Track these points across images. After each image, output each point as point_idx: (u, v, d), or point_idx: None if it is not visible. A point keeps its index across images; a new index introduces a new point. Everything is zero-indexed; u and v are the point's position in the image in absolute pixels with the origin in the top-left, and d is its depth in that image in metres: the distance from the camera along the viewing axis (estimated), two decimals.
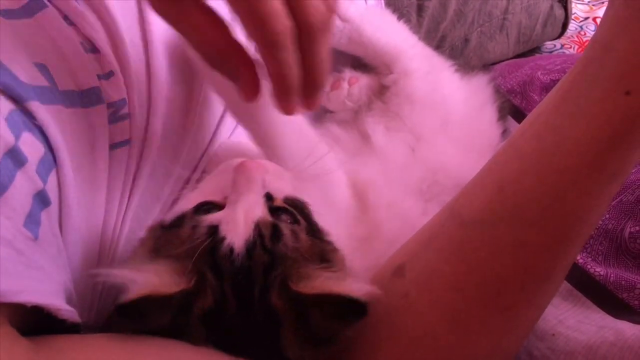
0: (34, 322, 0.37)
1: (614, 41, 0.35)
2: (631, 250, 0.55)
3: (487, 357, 0.42)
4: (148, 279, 0.39)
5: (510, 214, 0.40)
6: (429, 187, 0.61)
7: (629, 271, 0.53)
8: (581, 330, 0.50)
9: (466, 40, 0.93)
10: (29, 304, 0.35)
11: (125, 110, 0.51)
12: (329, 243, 0.47)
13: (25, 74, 0.42)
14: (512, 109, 0.83)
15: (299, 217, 0.46)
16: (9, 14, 0.45)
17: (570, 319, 0.53)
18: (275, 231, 0.43)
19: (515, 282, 0.40)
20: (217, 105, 0.59)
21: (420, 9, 0.81)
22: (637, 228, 0.55)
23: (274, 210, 0.46)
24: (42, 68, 0.44)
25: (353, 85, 0.69)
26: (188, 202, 0.46)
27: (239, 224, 0.43)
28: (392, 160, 0.63)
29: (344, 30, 0.66)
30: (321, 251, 0.45)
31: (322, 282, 0.41)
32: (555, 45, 1.16)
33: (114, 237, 0.50)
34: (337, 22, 0.57)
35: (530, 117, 0.42)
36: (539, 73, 0.84)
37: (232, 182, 0.45)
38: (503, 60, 1.06)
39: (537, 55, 1.12)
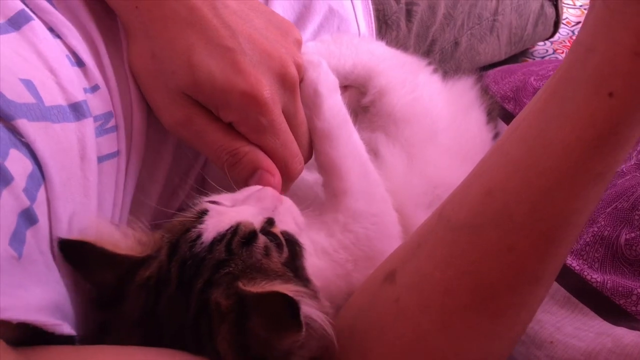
0: (33, 334, 0.40)
1: (595, 43, 0.37)
2: (627, 256, 0.58)
3: None
4: (106, 236, 0.46)
5: (498, 218, 0.42)
6: (432, 202, 0.64)
7: (626, 278, 0.57)
8: (579, 337, 0.54)
9: (456, 44, 0.97)
10: (13, 321, 0.38)
11: (112, 123, 0.54)
12: (304, 283, 0.49)
13: (12, 91, 0.45)
14: (504, 114, 0.87)
15: (286, 248, 0.49)
16: None
17: (568, 326, 0.56)
18: (250, 237, 0.47)
19: (505, 285, 0.43)
20: None
21: (409, 14, 0.84)
22: (633, 235, 0.58)
23: (266, 232, 0.49)
24: (28, 84, 0.47)
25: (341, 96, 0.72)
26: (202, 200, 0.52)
27: (222, 218, 0.48)
28: (396, 174, 0.65)
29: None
30: (286, 281, 0.47)
31: (269, 286, 0.44)
32: (547, 51, 1.20)
33: None
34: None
35: (516, 120, 0.44)
36: (532, 79, 0.88)
37: (248, 196, 0.52)
38: (495, 62, 1.10)
39: (530, 61, 1.16)
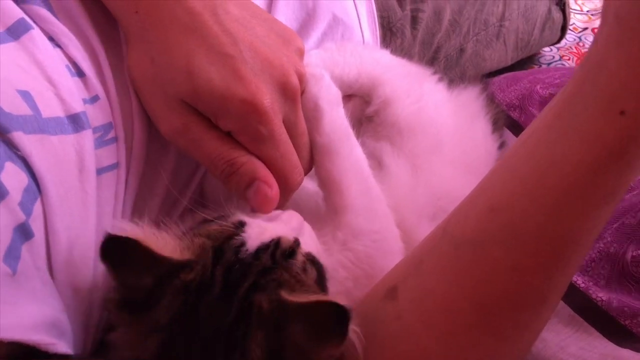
0: (27, 353, 0.39)
1: (607, 60, 0.36)
2: (634, 274, 0.57)
3: None
4: (150, 236, 0.45)
5: (503, 235, 0.41)
6: (436, 214, 0.63)
7: (632, 296, 0.56)
8: (583, 358, 0.53)
9: (461, 50, 0.96)
10: (5, 340, 0.37)
11: (112, 134, 0.53)
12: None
13: (8, 103, 0.44)
14: (510, 122, 0.86)
15: (314, 269, 0.50)
16: None
17: (572, 345, 0.55)
18: (291, 250, 0.48)
19: (508, 304, 0.42)
20: None
21: (414, 21, 0.83)
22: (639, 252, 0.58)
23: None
24: (26, 95, 0.46)
25: (345, 105, 0.71)
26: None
27: (263, 231, 0.48)
28: (400, 185, 0.65)
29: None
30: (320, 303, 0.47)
31: (311, 297, 0.44)
32: (554, 57, 1.19)
33: None
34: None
35: (523, 135, 0.43)
36: (538, 87, 0.87)
37: (275, 216, 0.52)
38: (501, 69, 1.09)
39: (536, 68, 1.15)
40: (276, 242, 0.48)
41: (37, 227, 0.43)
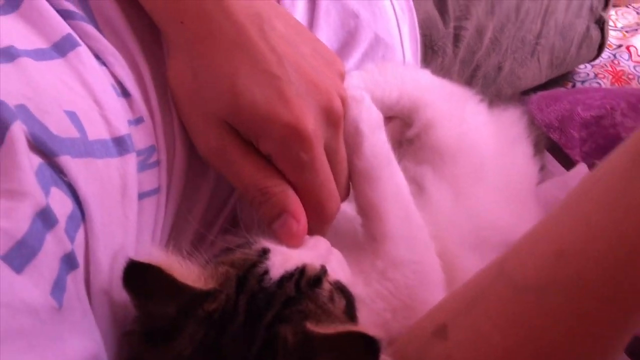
0: None
1: None
2: None
3: None
4: (174, 263, 0.44)
5: (570, 282, 0.39)
6: (479, 245, 0.61)
7: None
8: None
9: (499, 69, 0.94)
10: None
11: (154, 158, 0.51)
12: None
13: (55, 124, 0.43)
14: (549, 144, 0.85)
15: (342, 297, 0.47)
16: (39, 54, 0.45)
17: None
18: (317, 279, 0.46)
19: (570, 354, 0.40)
20: None
21: (456, 39, 0.82)
22: None
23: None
24: (73, 116, 0.45)
25: (386, 127, 0.70)
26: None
27: (287, 258, 0.46)
28: (442, 212, 0.63)
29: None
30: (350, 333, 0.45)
31: (339, 328, 0.42)
32: (588, 75, 1.17)
33: None
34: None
35: (589, 179, 0.42)
36: (579, 108, 0.85)
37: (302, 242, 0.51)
38: (535, 87, 1.07)
39: (575, 87, 1.13)
40: (301, 270, 0.46)
41: (79, 256, 0.42)
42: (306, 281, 0.45)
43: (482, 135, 0.70)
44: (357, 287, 0.53)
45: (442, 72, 0.80)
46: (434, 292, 0.55)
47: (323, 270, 0.47)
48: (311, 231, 0.52)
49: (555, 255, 0.40)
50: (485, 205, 0.65)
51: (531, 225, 0.65)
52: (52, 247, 0.39)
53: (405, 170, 0.67)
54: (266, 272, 0.45)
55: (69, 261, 0.40)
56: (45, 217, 0.39)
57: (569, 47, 1.07)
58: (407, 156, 0.69)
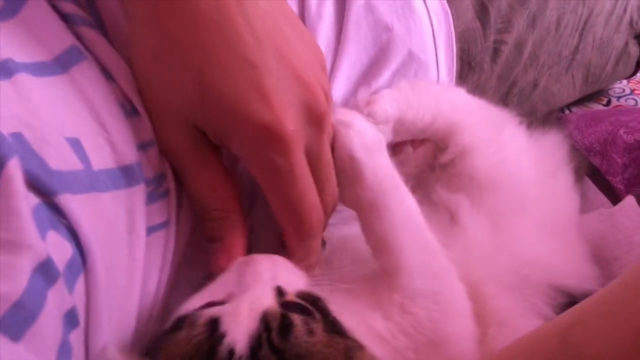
0: None
1: None
2: None
3: None
4: None
5: None
6: (518, 285, 0.56)
7: None
8: None
9: (535, 85, 0.88)
10: None
11: (163, 187, 0.46)
12: (352, 340, 0.42)
13: (55, 156, 0.37)
14: (590, 169, 0.79)
15: (314, 311, 0.42)
16: (39, 69, 0.40)
17: None
18: (285, 323, 0.39)
19: None
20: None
21: (495, 53, 0.76)
22: None
23: (286, 305, 0.42)
24: (75, 144, 0.39)
25: (417, 149, 0.64)
26: (189, 304, 0.43)
27: (241, 316, 0.39)
28: (477, 247, 0.57)
29: (385, 131, 0.60)
30: (345, 348, 0.40)
31: None
32: (624, 90, 1.12)
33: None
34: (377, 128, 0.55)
35: None
36: (621, 131, 0.79)
37: (238, 277, 0.43)
38: (570, 104, 1.02)
39: (617, 108, 1.07)
40: (265, 325, 0.39)
41: (79, 310, 0.37)
42: (276, 333, 0.39)
43: (523, 162, 0.64)
44: (375, 321, 0.48)
45: (478, 89, 0.75)
46: (460, 324, 0.50)
47: (284, 303, 0.41)
48: (293, 249, 0.47)
49: (636, 335, 0.35)
50: (525, 241, 0.59)
51: (574, 264, 0.61)
52: (55, 305, 0.33)
53: (437, 198, 0.63)
54: (231, 350, 0.37)
55: (70, 318, 0.35)
56: (45, 271, 0.33)
57: (606, 64, 1.01)
58: (439, 182, 0.64)
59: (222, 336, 0.38)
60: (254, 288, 0.42)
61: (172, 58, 0.42)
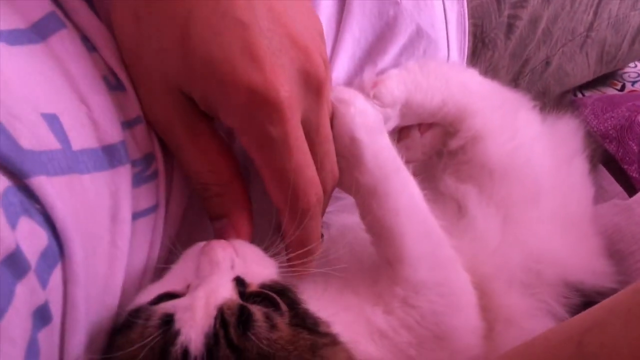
0: None
1: None
2: None
3: None
4: None
5: None
6: (531, 282, 0.53)
7: None
8: None
9: (547, 63, 0.84)
10: None
11: (152, 169, 0.42)
12: (325, 335, 0.40)
13: (29, 135, 0.34)
14: (606, 158, 0.75)
15: (280, 303, 0.39)
16: (12, 36, 0.36)
17: None
18: (244, 316, 0.36)
19: None
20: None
21: (509, 29, 0.72)
22: None
23: (247, 296, 0.39)
24: (53, 121, 0.36)
25: (425, 134, 0.60)
26: (145, 295, 0.40)
27: (197, 311, 0.36)
28: (488, 240, 0.54)
29: (392, 115, 0.57)
30: (311, 345, 0.38)
31: None
32: (638, 74, 1.08)
33: None
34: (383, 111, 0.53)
35: None
36: (639, 117, 0.75)
37: (196, 266, 0.40)
38: (583, 86, 0.98)
39: (634, 92, 1.03)
40: (221, 321, 0.36)
41: (54, 303, 0.33)
42: (235, 330, 0.36)
43: (537, 150, 0.60)
44: (376, 316, 0.46)
45: (490, 67, 0.71)
46: (466, 317, 0.48)
47: (245, 294, 0.39)
48: (288, 232, 0.43)
49: None
50: (540, 236, 0.56)
51: (589, 259, 0.57)
52: (23, 301, 0.30)
53: (444, 187, 0.59)
54: (185, 351, 0.35)
55: (41, 315, 0.32)
56: (14, 264, 0.30)
57: (621, 42, 0.97)
58: (447, 170, 0.60)
59: (176, 334, 0.35)
60: (210, 279, 0.39)
61: (154, 15, 0.39)
